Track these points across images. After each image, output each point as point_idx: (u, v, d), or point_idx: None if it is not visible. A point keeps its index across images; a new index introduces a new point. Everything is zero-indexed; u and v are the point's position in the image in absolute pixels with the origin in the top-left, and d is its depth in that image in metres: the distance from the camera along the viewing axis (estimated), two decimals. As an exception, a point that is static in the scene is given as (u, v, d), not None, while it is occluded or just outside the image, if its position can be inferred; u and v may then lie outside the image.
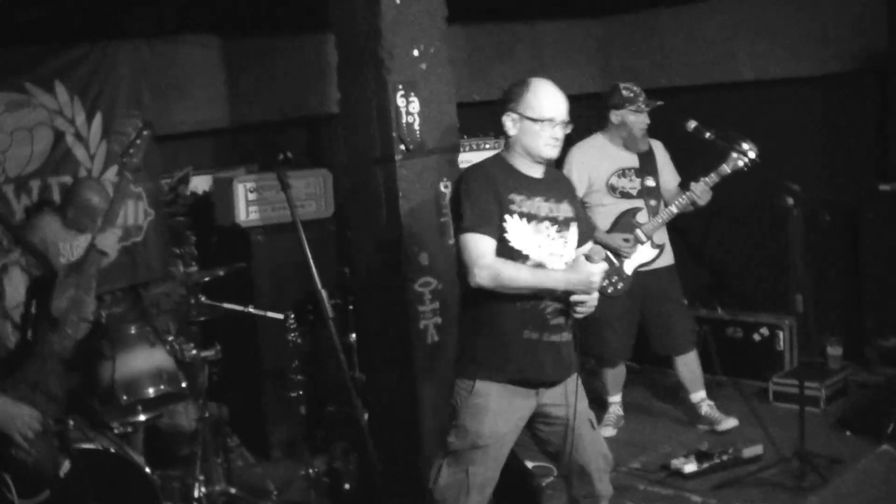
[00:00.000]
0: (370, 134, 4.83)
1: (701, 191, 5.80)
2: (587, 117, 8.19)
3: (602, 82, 8.16)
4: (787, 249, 5.34)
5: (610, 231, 6.02)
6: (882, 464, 4.59)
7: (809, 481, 5.20)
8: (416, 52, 4.81)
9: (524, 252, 3.90)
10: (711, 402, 6.30)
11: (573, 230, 4.08)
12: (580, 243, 4.14)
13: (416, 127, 4.80)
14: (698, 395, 6.29)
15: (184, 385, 5.29)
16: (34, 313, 3.45)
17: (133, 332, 5.31)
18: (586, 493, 4.16)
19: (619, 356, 6.28)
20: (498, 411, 3.93)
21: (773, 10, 7.12)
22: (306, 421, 5.33)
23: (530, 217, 3.93)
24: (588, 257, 3.84)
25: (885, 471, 4.54)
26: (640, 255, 6.04)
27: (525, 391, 3.96)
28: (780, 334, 6.98)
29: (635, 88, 6.02)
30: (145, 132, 3.85)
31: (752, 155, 5.66)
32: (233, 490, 5.31)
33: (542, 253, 3.93)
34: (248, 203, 6.10)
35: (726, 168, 5.70)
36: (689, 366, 6.24)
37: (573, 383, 4.08)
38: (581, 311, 3.92)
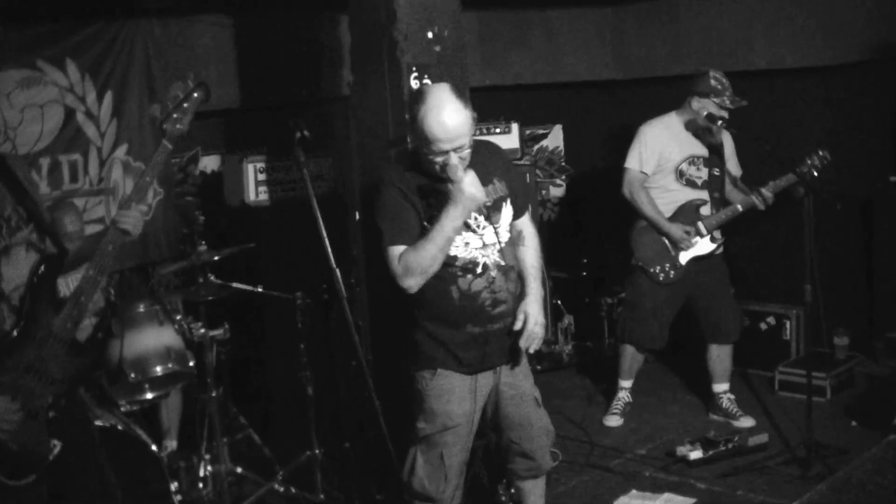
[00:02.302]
0: (382, 116, 4.82)
1: (766, 196, 5.78)
2: (602, 104, 8.23)
3: (616, 70, 8.15)
4: (798, 239, 5.34)
5: (672, 219, 5.98)
6: (890, 453, 4.58)
7: (815, 470, 5.21)
8: (430, 35, 4.79)
9: (451, 253, 3.83)
10: (732, 397, 6.27)
11: (506, 209, 3.99)
12: (517, 215, 4.07)
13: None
14: (722, 387, 6.26)
15: (192, 364, 5.31)
16: (34, 295, 3.27)
17: (142, 310, 5.32)
18: (528, 466, 4.29)
19: (656, 343, 6.23)
20: (463, 389, 3.98)
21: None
22: (314, 401, 5.34)
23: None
24: (451, 180, 3.66)
25: (893, 460, 4.53)
26: (697, 248, 5.99)
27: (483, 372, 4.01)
28: (787, 324, 6.99)
29: (725, 81, 5.83)
30: (196, 94, 3.40)
31: (826, 163, 5.63)
32: (239, 469, 5.32)
33: (471, 248, 3.88)
34: (257, 183, 6.11)
35: (792, 177, 5.66)
36: (722, 357, 6.21)
37: (520, 363, 4.15)
38: (532, 344, 3.95)
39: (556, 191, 8.04)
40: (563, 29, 7.96)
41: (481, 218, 3.89)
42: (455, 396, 3.97)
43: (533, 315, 3.94)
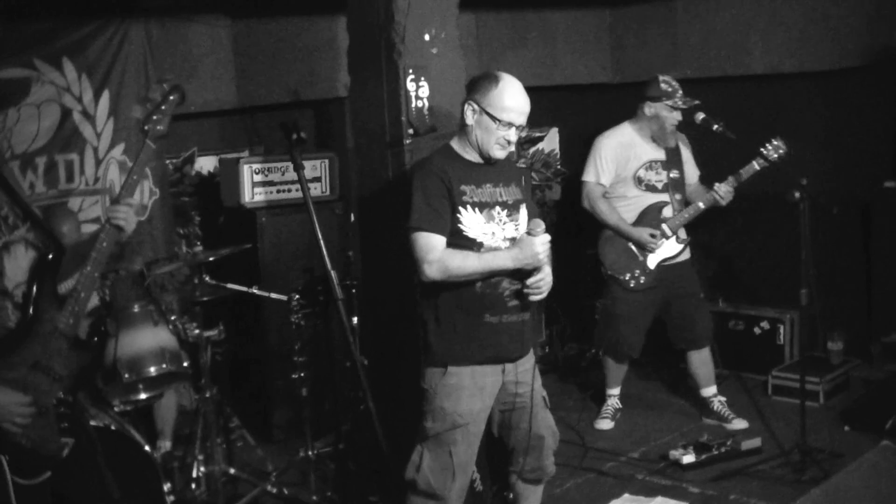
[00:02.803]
0: (380, 117, 4.83)
1: (725, 191, 5.86)
2: (599, 107, 8.23)
3: (614, 73, 8.15)
4: (794, 243, 5.35)
5: (635, 224, 6.02)
6: (883, 458, 4.60)
7: (809, 475, 5.22)
8: (427, 37, 4.79)
9: (478, 240, 3.98)
10: (723, 399, 6.28)
11: (523, 212, 4.14)
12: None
13: (426, 111, 4.79)
14: (710, 391, 6.28)
15: (186, 364, 5.31)
16: (37, 291, 3.34)
17: (136, 310, 5.33)
18: (533, 467, 4.31)
19: (634, 351, 6.26)
20: (473, 389, 4.03)
21: (786, 4, 7.10)
22: (308, 403, 5.34)
23: (482, 206, 4.01)
24: (529, 232, 3.93)
25: (887, 465, 4.54)
26: (665, 250, 6.04)
27: (492, 368, 4.06)
28: (781, 328, 7.01)
29: (674, 83, 5.95)
30: (172, 97, 3.56)
31: (781, 152, 5.70)
32: (232, 470, 5.32)
33: (496, 239, 4.02)
34: (253, 184, 6.10)
35: (754, 166, 5.76)
36: (703, 361, 6.23)
37: (530, 362, 4.20)
38: (536, 294, 3.97)
39: (553, 194, 8.03)
40: (561, 31, 7.95)
41: (504, 213, 4.04)
42: (465, 395, 4.02)
43: (547, 266, 4.02)
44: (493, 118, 3.96)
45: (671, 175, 6.06)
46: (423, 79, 4.77)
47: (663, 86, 5.93)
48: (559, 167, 8.05)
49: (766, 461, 5.50)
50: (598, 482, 5.49)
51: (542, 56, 7.83)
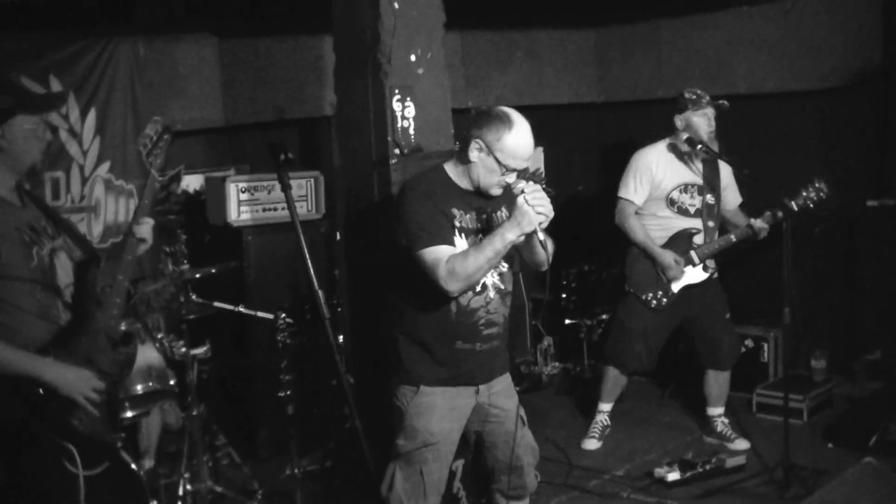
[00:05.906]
0: (366, 137, 4.85)
1: (759, 227, 5.84)
2: (584, 126, 8.29)
3: (598, 93, 8.20)
4: (777, 262, 5.38)
5: (665, 247, 5.99)
6: (866, 475, 4.64)
7: (793, 492, 5.24)
8: (413, 58, 4.82)
9: None
10: (727, 420, 6.27)
11: None
12: None
13: (412, 131, 4.81)
14: (717, 411, 6.27)
15: (173, 382, 5.31)
16: (80, 293, 3.67)
17: (123, 328, 5.32)
18: (515, 485, 4.29)
19: (643, 366, 6.23)
20: (444, 408, 4.01)
21: (770, 24, 7.17)
22: (295, 420, 5.34)
23: (467, 232, 3.96)
24: (513, 190, 3.82)
25: (869, 482, 4.58)
26: (690, 276, 6.00)
27: (465, 389, 4.06)
28: (765, 346, 7.02)
29: (699, 91, 5.93)
30: (166, 136, 4.01)
31: (822, 195, 5.72)
32: (219, 489, 5.32)
33: None
34: (239, 203, 6.12)
35: (792, 206, 5.66)
36: (720, 382, 6.22)
37: (504, 382, 4.19)
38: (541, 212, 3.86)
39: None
40: (547, 51, 8.00)
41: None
42: (436, 414, 4.00)
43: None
44: (501, 164, 3.91)
45: (707, 201, 6.00)
46: (408, 99, 4.80)
47: (688, 94, 5.91)
48: (544, 186, 8.07)
49: (750, 478, 5.52)
50: (583, 500, 5.50)
51: (528, 75, 7.87)
